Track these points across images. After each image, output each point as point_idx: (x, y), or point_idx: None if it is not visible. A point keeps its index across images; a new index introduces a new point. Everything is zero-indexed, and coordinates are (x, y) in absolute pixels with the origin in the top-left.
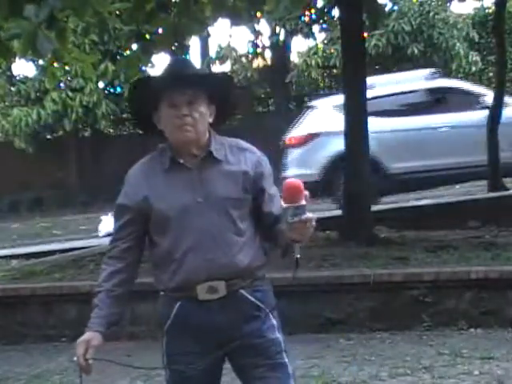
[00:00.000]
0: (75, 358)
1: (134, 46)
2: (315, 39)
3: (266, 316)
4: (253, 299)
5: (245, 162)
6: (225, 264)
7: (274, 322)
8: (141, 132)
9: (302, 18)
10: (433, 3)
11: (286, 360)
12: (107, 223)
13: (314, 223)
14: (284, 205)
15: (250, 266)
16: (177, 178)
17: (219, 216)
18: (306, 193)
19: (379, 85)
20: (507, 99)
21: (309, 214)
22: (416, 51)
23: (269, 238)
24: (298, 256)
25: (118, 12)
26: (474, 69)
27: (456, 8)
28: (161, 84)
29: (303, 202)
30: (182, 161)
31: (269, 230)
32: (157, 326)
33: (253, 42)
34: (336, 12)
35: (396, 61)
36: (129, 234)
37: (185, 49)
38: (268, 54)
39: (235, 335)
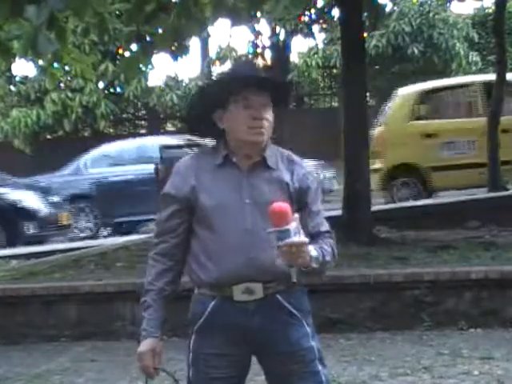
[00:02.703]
0: (139, 365)
1: (134, 47)
2: (315, 39)
3: (300, 324)
4: (288, 305)
5: (292, 174)
6: (265, 265)
7: (308, 329)
8: (188, 128)
9: (302, 18)
10: (433, 3)
11: (319, 368)
12: None
13: (303, 248)
14: (268, 230)
15: (287, 273)
16: (226, 176)
17: (263, 219)
18: (296, 216)
19: None
20: None
21: (294, 239)
22: (416, 51)
23: None
24: (294, 281)
25: (117, 12)
26: (473, 69)
27: (456, 8)
28: (239, 83)
29: (287, 227)
30: (235, 159)
31: None
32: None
33: (253, 42)
34: (336, 12)
35: (396, 61)
36: (176, 227)
37: (185, 49)
38: (268, 54)
39: (268, 341)
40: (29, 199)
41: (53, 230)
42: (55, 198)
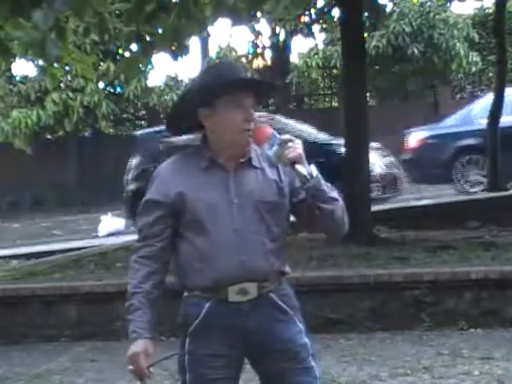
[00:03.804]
0: (130, 367)
1: (134, 47)
2: (315, 39)
3: (293, 321)
4: (281, 303)
5: (277, 169)
6: (257, 266)
7: (301, 326)
8: (169, 125)
9: (302, 18)
10: (433, 4)
11: (313, 363)
12: (107, 223)
13: (294, 139)
14: (263, 149)
15: (279, 270)
16: (213, 178)
17: (253, 218)
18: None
19: None
20: None
21: (282, 136)
22: (416, 52)
23: (314, 221)
24: (305, 174)
25: (117, 12)
26: (473, 69)
27: (456, 8)
28: (232, 85)
29: (271, 132)
30: (220, 161)
31: (306, 216)
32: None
33: (253, 41)
34: (336, 12)
35: (396, 61)
36: (162, 231)
37: (185, 49)
38: (268, 54)
39: (264, 339)
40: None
41: (390, 191)
42: (391, 158)
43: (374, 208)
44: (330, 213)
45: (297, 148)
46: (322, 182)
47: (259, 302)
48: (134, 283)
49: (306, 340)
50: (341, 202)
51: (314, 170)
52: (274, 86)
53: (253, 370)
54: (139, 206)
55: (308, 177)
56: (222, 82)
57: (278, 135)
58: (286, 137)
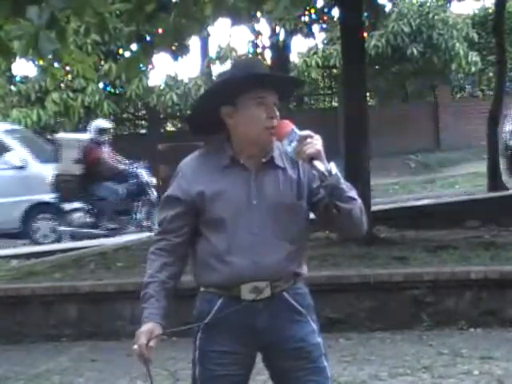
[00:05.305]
0: (135, 347)
1: (134, 47)
2: (315, 39)
3: (306, 320)
4: (294, 303)
5: (298, 169)
6: (271, 268)
7: (314, 326)
8: (192, 126)
9: (302, 17)
10: (432, 4)
11: (326, 364)
12: None
13: (314, 137)
14: (282, 144)
15: (294, 272)
16: (234, 178)
17: (272, 220)
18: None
19: None
20: None
21: (302, 132)
22: (415, 52)
23: (332, 220)
24: (322, 169)
25: (118, 12)
26: (473, 69)
27: (455, 8)
28: (254, 81)
29: (291, 128)
30: (242, 161)
31: (324, 214)
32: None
33: (253, 41)
34: (336, 12)
35: (395, 61)
36: (180, 228)
37: (185, 49)
38: (268, 54)
39: (275, 338)
40: None
41: None
42: None
43: (374, 208)
44: (347, 212)
45: (315, 144)
46: (341, 180)
47: (272, 300)
48: (149, 273)
49: (319, 340)
50: (359, 202)
51: (333, 167)
52: (297, 82)
53: (264, 366)
54: (161, 200)
55: (326, 174)
56: (245, 79)
57: (297, 131)
58: (306, 132)
